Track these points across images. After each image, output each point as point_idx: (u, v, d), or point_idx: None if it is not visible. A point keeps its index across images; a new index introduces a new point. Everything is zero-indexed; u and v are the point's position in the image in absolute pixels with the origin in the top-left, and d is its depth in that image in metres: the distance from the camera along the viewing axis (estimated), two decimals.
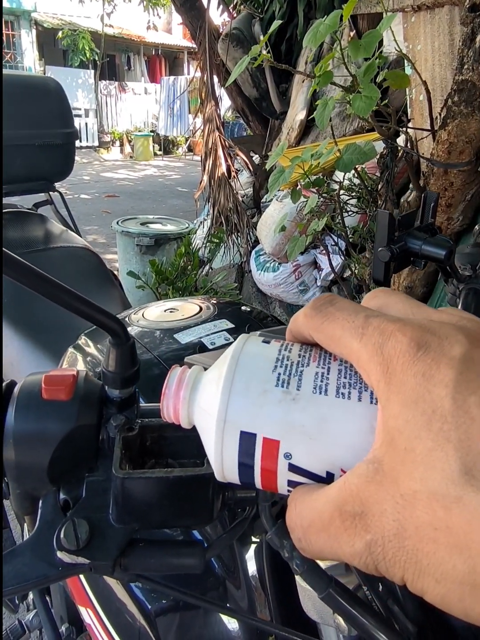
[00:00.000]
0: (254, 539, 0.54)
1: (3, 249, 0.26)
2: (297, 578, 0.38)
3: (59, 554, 0.29)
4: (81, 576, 0.57)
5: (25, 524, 1.20)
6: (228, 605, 0.51)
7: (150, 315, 0.80)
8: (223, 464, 0.24)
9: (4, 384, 0.34)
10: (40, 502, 0.32)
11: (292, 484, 0.24)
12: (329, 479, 0.22)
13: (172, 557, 0.31)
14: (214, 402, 0.24)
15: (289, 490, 0.24)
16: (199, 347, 0.68)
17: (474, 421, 0.18)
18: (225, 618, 0.51)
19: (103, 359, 0.33)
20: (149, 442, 0.33)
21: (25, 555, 0.30)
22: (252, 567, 0.52)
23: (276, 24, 1.40)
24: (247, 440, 0.23)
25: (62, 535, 0.29)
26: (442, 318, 0.22)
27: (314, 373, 0.23)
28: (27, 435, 0.31)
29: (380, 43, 1.30)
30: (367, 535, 0.19)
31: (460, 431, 0.18)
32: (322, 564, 0.34)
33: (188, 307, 0.82)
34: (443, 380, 0.19)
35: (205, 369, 0.28)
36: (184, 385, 0.27)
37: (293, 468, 0.23)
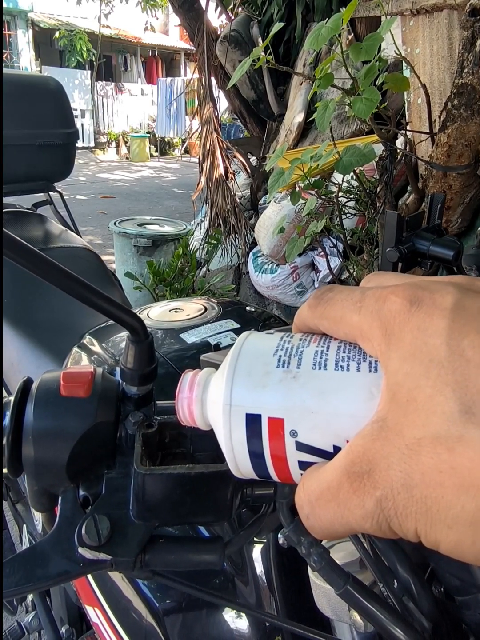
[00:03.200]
0: (260, 538, 0.54)
1: (26, 243, 0.26)
2: (312, 575, 0.38)
3: (81, 550, 0.29)
4: (89, 575, 0.57)
5: (25, 526, 1.20)
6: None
7: (155, 315, 0.80)
8: (234, 453, 0.25)
9: (20, 380, 0.34)
10: (60, 498, 0.32)
11: (303, 465, 0.24)
12: (336, 453, 0.23)
13: (192, 554, 0.31)
14: (220, 391, 0.25)
15: (302, 474, 0.24)
16: (206, 347, 0.68)
17: (469, 362, 0.19)
18: (233, 616, 0.51)
19: (122, 356, 0.33)
20: (168, 439, 0.33)
21: (46, 552, 0.30)
22: (260, 566, 0.52)
23: (277, 26, 1.41)
24: (253, 422, 0.24)
25: (83, 531, 0.29)
26: (433, 279, 0.23)
27: (313, 351, 0.24)
28: (46, 432, 0.31)
29: (379, 46, 1.31)
30: (376, 492, 0.19)
31: (457, 374, 0.19)
32: (338, 561, 0.34)
33: (192, 306, 0.82)
34: (437, 330, 0.19)
35: (232, 343, 0.29)
36: (196, 386, 0.28)
37: (300, 446, 0.23)
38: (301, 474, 0.24)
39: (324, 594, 0.37)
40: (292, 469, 0.24)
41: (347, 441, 0.22)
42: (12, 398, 0.33)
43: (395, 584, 0.35)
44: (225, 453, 0.25)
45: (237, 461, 0.25)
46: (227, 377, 0.25)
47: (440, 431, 0.18)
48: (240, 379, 0.24)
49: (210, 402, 0.27)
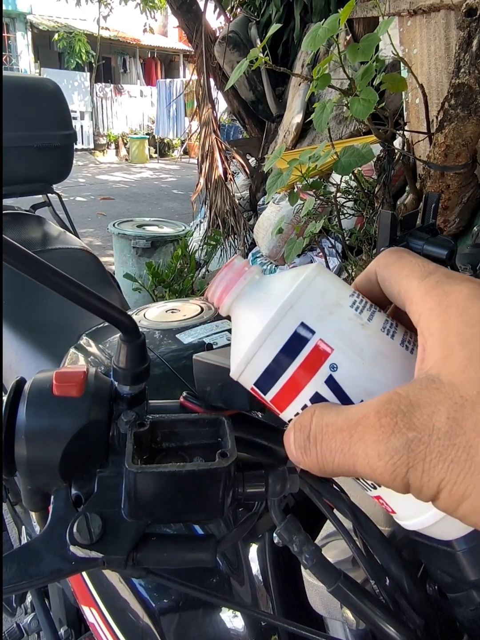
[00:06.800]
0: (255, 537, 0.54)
1: (19, 246, 0.26)
2: (305, 573, 0.38)
3: (72, 549, 0.29)
4: (85, 575, 0.57)
5: (24, 527, 1.20)
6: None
7: (152, 315, 0.80)
8: (256, 354, 0.25)
9: (14, 380, 0.35)
10: (52, 497, 0.32)
11: (315, 398, 0.24)
12: None
13: (185, 551, 0.31)
14: (287, 289, 0.25)
15: (298, 412, 0.24)
16: (202, 348, 0.68)
17: None
18: (229, 615, 0.51)
19: (114, 355, 0.33)
20: (160, 438, 0.33)
21: (38, 550, 0.30)
22: (255, 565, 0.52)
23: (274, 27, 1.41)
24: (299, 336, 0.24)
25: (75, 530, 0.29)
26: None
27: (384, 319, 0.25)
28: (39, 431, 0.31)
29: (377, 47, 1.31)
30: (409, 433, 0.19)
31: None
32: (330, 559, 0.34)
33: (189, 307, 0.82)
34: None
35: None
36: (244, 275, 0.27)
37: (330, 381, 0.24)
38: (298, 412, 0.24)
39: (316, 592, 0.38)
40: (298, 398, 0.24)
41: None
42: (5, 398, 0.33)
43: (388, 581, 0.35)
44: (244, 350, 0.25)
45: (250, 363, 0.25)
46: (300, 284, 0.25)
47: None
48: (313, 292, 0.25)
49: (267, 293, 0.26)
